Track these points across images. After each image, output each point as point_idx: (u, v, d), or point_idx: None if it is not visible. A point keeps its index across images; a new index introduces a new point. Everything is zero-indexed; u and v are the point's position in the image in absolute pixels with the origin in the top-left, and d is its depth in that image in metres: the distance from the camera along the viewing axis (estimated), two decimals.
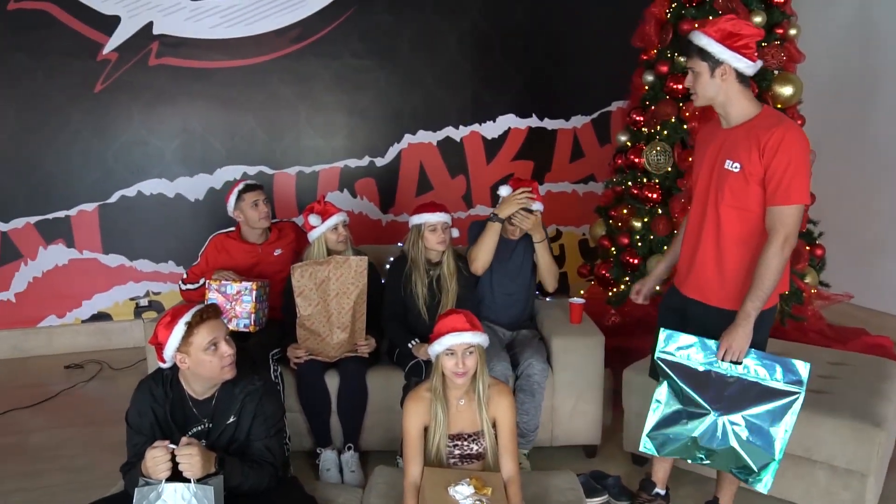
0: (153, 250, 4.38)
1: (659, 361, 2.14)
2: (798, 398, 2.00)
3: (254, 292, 2.80)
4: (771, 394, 2.02)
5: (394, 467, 2.41)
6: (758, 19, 3.39)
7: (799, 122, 3.57)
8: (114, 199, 4.28)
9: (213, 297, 2.80)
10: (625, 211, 3.78)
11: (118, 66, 4.16)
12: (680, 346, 2.11)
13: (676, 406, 2.13)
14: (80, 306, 4.33)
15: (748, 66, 2.04)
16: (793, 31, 3.49)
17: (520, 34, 4.75)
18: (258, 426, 2.01)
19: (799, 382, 2.00)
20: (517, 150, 4.91)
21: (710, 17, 3.39)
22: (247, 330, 2.82)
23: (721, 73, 2.03)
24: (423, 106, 4.68)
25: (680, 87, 3.46)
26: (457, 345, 2.07)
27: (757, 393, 2.03)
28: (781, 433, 2.02)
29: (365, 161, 4.65)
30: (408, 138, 4.71)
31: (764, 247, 2.00)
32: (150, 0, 4.14)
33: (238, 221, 3.13)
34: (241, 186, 3.10)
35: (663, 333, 2.14)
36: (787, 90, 3.40)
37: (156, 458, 1.78)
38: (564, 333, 2.90)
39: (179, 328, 1.89)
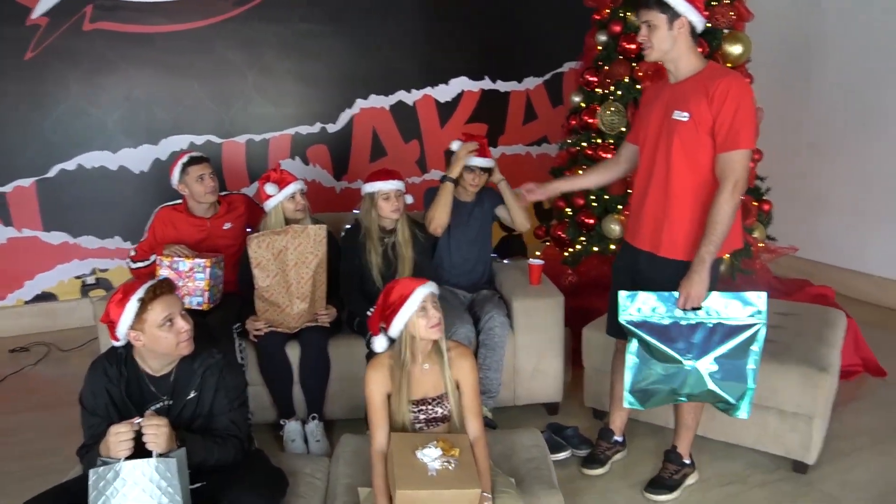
0: (98, 226, 4.22)
1: (625, 323, 2.18)
2: (760, 327, 2.07)
3: (207, 269, 2.72)
4: (735, 330, 2.08)
5: (360, 435, 2.41)
6: None
7: (748, 80, 3.63)
8: (52, 173, 4.09)
9: (164, 273, 2.71)
10: (580, 171, 3.80)
11: (49, 32, 3.94)
12: (641, 305, 2.15)
13: (650, 360, 2.18)
14: (23, 287, 4.17)
15: (700, 21, 2.12)
16: None
17: None
18: (220, 400, 1.98)
19: (758, 313, 2.07)
20: (471, 113, 4.88)
21: None
22: (200, 308, 2.75)
23: (679, 25, 2.09)
24: (374, 70, 4.59)
25: (633, 46, 3.46)
26: (425, 298, 2.06)
27: (722, 333, 2.09)
28: (751, 363, 2.10)
29: (316, 128, 4.56)
30: (360, 103, 4.62)
31: (715, 194, 2.06)
32: None
33: (183, 195, 3.03)
34: (185, 159, 2.97)
35: (623, 296, 2.17)
36: (736, 49, 3.43)
37: (119, 435, 1.73)
38: (524, 295, 2.93)
39: (132, 305, 1.84)
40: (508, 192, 3.01)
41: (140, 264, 2.96)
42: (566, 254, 3.85)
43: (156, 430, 1.74)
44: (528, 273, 3.07)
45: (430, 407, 2.16)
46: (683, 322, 2.12)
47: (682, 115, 2.09)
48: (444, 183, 2.94)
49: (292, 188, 2.86)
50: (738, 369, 2.10)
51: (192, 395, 1.95)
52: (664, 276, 2.19)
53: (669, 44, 2.12)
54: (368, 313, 2.78)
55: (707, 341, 2.10)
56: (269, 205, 2.87)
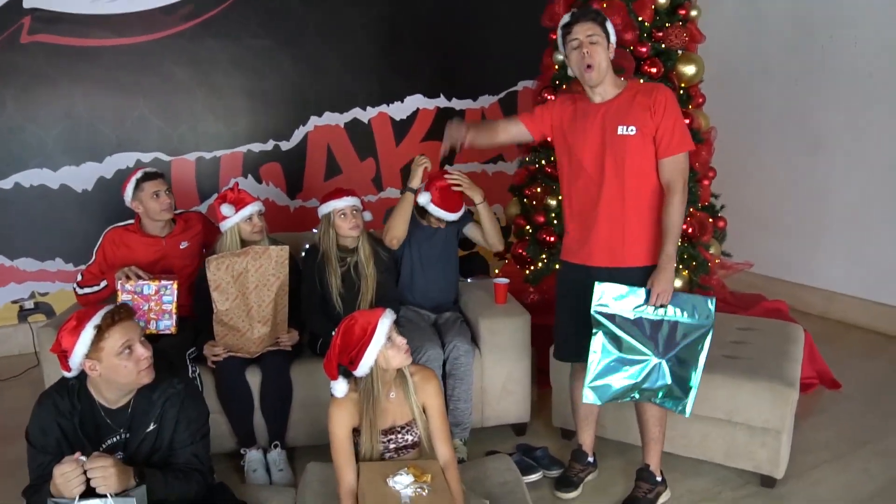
0: (37, 247, 4.00)
1: (595, 315, 2.21)
2: (710, 331, 2.18)
3: (175, 291, 2.60)
4: (689, 329, 2.19)
5: (326, 462, 2.31)
6: (662, 0, 3.48)
7: (700, 100, 3.72)
8: None
9: (126, 298, 2.57)
10: (539, 189, 3.81)
11: None
12: (615, 297, 2.20)
13: (615, 354, 2.22)
14: None
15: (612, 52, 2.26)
16: (694, 13, 3.61)
17: (427, 13, 4.68)
18: (182, 432, 1.86)
19: (708, 318, 2.18)
20: (426, 130, 4.86)
21: None
22: (168, 332, 2.62)
23: (611, 49, 2.22)
24: (329, 88, 4.52)
25: None
26: (390, 327, 1.99)
27: (681, 332, 2.19)
28: (700, 363, 2.18)
29: (269, 145, 4.45)
30: (314, 120, 4.54)
31: (669, 196, 2.17)
32: None
33: (137, 213, 2.88)
34: (139, 175, 2.83)
35: (598, 287, 2.21)
36: (690, 69, 3.52)
37: (66, 475, 1.60)
38: (490, 315, 2.89)
39: (88, 332, 1.71)
40: (487, 213, 2.95)
41: (88, 290, 2.78)
42: (527, 272, 3.84)
43: (102, 473, 1.63)
44: (494, 292, 3.04)
45: (399, 435, 2.10)
46: (648, 318, 2.20)
47: (628, 130, 2.17)
48: (405, 193, 2.88)
49: (249, 210, 2.75)
50: (687, 368, 2.19)
51: (151, 427, 1.83)
52: (630, 284, 2.23)
53: (606, 64, 2.20)
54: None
55: (670, 338, 2.19)
56: (224, 226, 2.76)
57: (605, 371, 2.23)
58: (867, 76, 4.12)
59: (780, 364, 2.57)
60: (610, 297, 2.20)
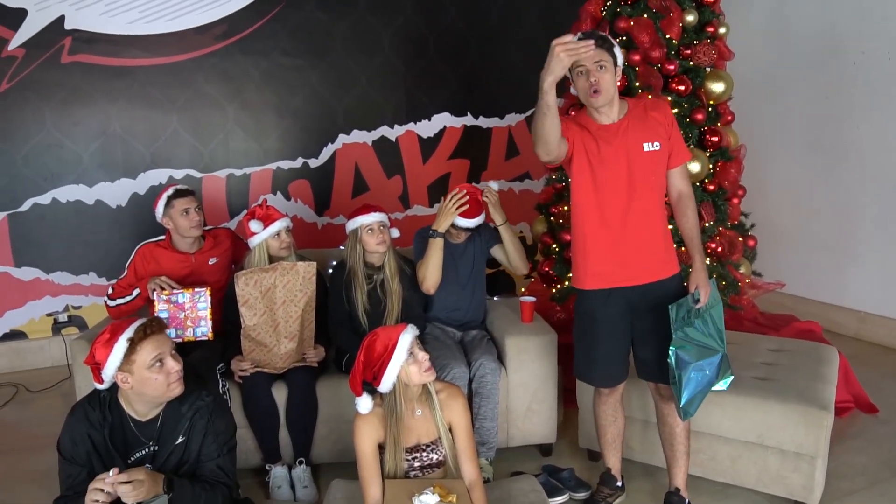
0: (71, 261, 4.09)
1: (677, 334, 2.19)
2: (721, 305, 2.34)
3: (208, 297, 2.65)
4: (715, 315, 2.31)
5: (351, 480, 2.31)
6: (690, 17, 3.47)
7: (729, 118, 3.69)
8: (25, 207, 3.97)
9: (161, 308, 2.62)
10: (566, 207, 3.79)
11: (26, 64, 3.86)
12: (681, 312, 2.23)
13: (692, 364, 2.20)
14: None
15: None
16: (722, 30, 3.60)
17: (454, 33, 4.73)
18: (209, 445, 1.88)
19: (716, 292, 2.33)
20: (453, 148, 4.88)
21: (645, 15, 3.46)
22: (205, 338, 2.67)
23: (618, 73, 2.20)
24: (356, 105, 4.58)
25: (617, 84, 3.50)
26: (411, 342, 2.00)
27: (710, 318, 2.28)
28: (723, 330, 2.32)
29: (298, 162, 4.51)
30: (342, 138, 4.59)
31: (686, 205, 2.29)
32: None
33: (168, 229, 2.94)
34: (170, 192, 2.89)
35: (671, 312, 2.20)
36: (718, 87, 3.49)
37: (92, 493, 1.64)
38: (517, 333, 2.87)
39: (121, 345, 1.74)
40: (509, 236, 2.93)
41: (119, 301, 2.84)
42: (554, 290, 3.82)
43: (135, 488, 1.66)
44: (520, 310, 3.02)
45: (424, 454, 2.09)
46: (697, 320, 2.24)
47: (653, 146, 2.21)
48: (433, 239, 2.84)
49: (277, 226, 2.79)
50: (724, 344, 2.31)
51: (179, 440, 1.86)
52: (673, 291, 2.28)
53: (614, 89, 2.19)
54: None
55: (712, 328, 2.27)
56: (252, 242, 2.80)
57: (691, 385, 2.21)
58: None
59: (813, 386, 2.51)
60: (679, 316, 2.23)
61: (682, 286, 2.32)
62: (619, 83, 2.22)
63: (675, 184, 2.29)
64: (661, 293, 2.26)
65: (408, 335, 2.00)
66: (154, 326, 1.81)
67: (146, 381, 1.77)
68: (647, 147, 2.20)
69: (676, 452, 2.36)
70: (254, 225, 2.76)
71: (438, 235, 2.84)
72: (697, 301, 2.23)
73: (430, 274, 2.85)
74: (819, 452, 2.37)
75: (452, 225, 2.89)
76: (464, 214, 2.85)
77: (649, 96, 3.39)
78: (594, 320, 2.35)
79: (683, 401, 2.20)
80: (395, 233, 2.92)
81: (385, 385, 1.98)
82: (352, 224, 2.85)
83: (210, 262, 2.95)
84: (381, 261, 2.88)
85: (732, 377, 2.35)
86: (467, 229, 2.91)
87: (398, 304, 2.86)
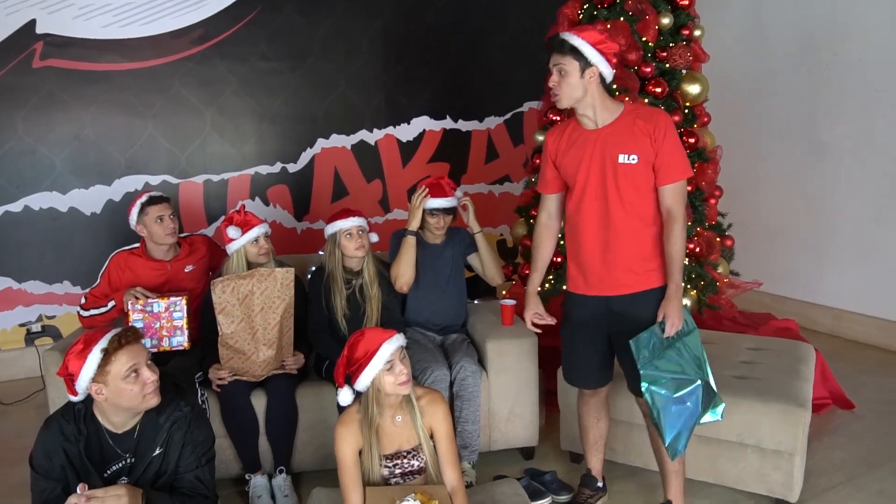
0: (45, 270, 4.01)
1: (645, 371, 2.13)
2: (696, 330, 2.21)
3: (185, 306, 2.61)
4: (689, 340, 2.18)
5: (332, 488, 2.29)
6: (665, 20, 3.51)
7: (705, 119, 3.73)
8: None
9: (136, 318, 2.58)
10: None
11: None
12: (645, 347, 2.15)
13: (671, 398, 2.13)
14: None
15: (610, 73, 2.16)
16: (697, 32, 3.64)
17: (433, 36, 4.72)
18: (187, 456, 1.85)
19: (689, 321, 2.19)
20: (433, 152, 4.87)
21: (621, 18, 3.48)
22: (182, 347, 2.63)
23: (590, 74, 2.12)
24: (335, 109, 4.55)
25: None
26: (393, 353, 1.99)
27: (684, 346, 2.17)
28: (706, 360, 2.19)
29: (277, 167, 4.47)
30: (321, 143, 4.56)
31: (671, 224, 2.14)
32: None
33: (142, 237, 2.89)
34: (143, 199, 2.85)
35: (633, 343, 2.14)
36: (694, 88, 3.53)
37: None
38: (498, 336, 2.87)
39: (94, 356, 1.71)
40: (485, 245, 2.96)
41: (95, 311, 2.79)
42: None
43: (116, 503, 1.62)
44: (501, 314, 3.02)
45: (405, 460, 2.08)
46: (668, 350, 2.15)
47: (630, 158, 2.12)
48: (405, 237, 2.85)
49: (255, 232, 2.75)
50: (706, 372, 2.19)
51: (157, 451, 1.83)
52: (650, 306, 2.18)
53: (580, 92, 2.12)
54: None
55: (687, 356, 2.16)
56: (231, 248, 2.76)
57: (673, 420, 2.14)
58: (872, 90, 4.11)
59: (791, 384, 2.53)
60: (645, 350, 2.15)
61: (651, 304, 2.19)
62: (597, 85, 2.12)
63: (663, 201, 2.16)
64: (639, 307, 2.20)
65: (390, 345, 1.99)
66: (129, 336, 1.78)
67: (121, 392, 1.74)
68: (622, 158, 2.13)
69: (667, 472, 2.33)
70: (231, 231, 2.73)
71: (410, 233, 2.85)
72: (664, 331, 2.13)
73: (403, 271, 2.85)
74: (798, 449, 2.39)
75: (429, 214, 2.87)
76: (434, 195, 2.84)
77: (626, 98, 3.41)
78: (573, 324, 2.36)
79: (668, 439, 2.13)
80: (374, 237, 2.91)
81: (360, 385, 1.99)
82: (330, 228, 2.84)
83: (186, 270, 2.91)
84: (359, 265, 2.87)
85: (724, 404, 2.20)
86: (444, 210, 2.86)
87: (377, 309, 2.85)
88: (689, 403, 2.13)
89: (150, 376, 1.77)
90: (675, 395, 2.12)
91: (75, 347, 1.75)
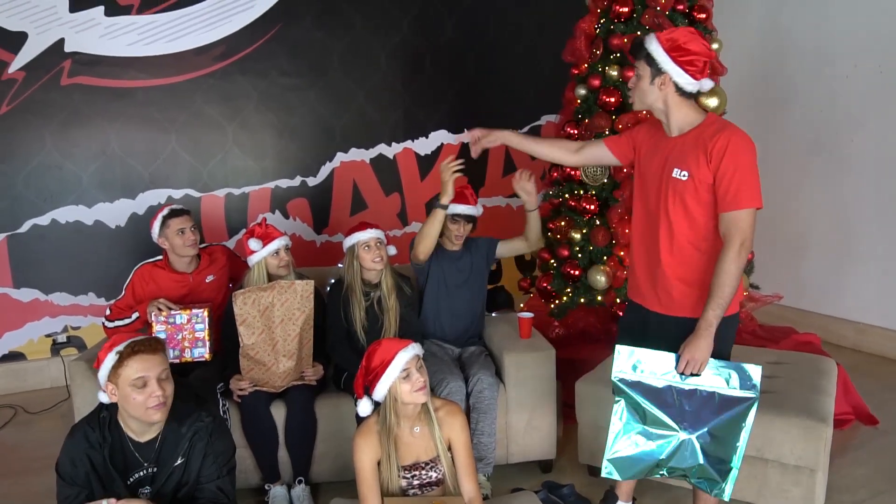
0: (71, 282, 4.09)
1: (617, 382, 2.07)
2: (754, 403, 1.98)
3: (206, 318, 2.66)
4: (730, 402, 1.99)
5: (350, 499, 2.30)
6: None
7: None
8: (24, 228, 3.97)
9: (159, 329, 2.64)
10: (563, 223, 3.81)
11: (26, 86, 3.89)
12: (637, 362, 2.05)
13: (639, 427, 2.06)
14: None
15: (689, 83, 2.02)
16: (715, 46, 3.63)
17: (450, 50, 4.76)
18: (209, 466, 1.88)
19: (753, 387, 1.98)
20: None
21: (639, 33, 3.50)
22: (203, 358, 2.67)
23: (660, 82, 2.04)
24: (354, 124, 4.60)
25: (612, 99, 3.53)
26: (408, 361, 2.02)
27: (716, 404, 2.00)
28: (742, 440, 1.99)
29: (297, 181, 4.53)
30: (340, 157, 4.61)
31: (721, 254, 1.97)
32: (61, 16, 3.90)
33: (164, 249, 2.95)
34: (165, 212, 2.92)
35: (620, 351, 2.08)
36: (712, 102, 3.53)
37: None
38: (515, 349, 2.87)
39: (110, 357, 1.77)
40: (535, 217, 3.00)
41: (118, 322, 2.84)
42: (552, 306, 3.82)
43: None
44: (518, 326, 3.02)
45: (423, 471, 2.09)
46: (677, 386, 2.01)
47: (681, 174, 2.03)
48: (435, 209, 2.83)
49: (276, 244, 2.79)
50: (725, 447, 2.00)
51: (179, 461, 1.85)
52: (674, 334, 2.07)
53: (652, 98, 2.06)
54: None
55: (701, 410, 2.01)
56: (252, 260, 2.81)
57: (627, 444, 2.06)
58: (894, 103, 4.08)
59: (812, 398, 2.51)
60: (632, 362, 2.05)
61: (685, 335, 2.03)
62: (672, 94, 2.03)
63: (721, 227, 2.00)
64: (666, 328, 2.12)
65: (406, 353, 2.01)
66: (146, 346, 1.81)
67: (127, 398, 1.79)
68: (675, 173, 2.04)
69: (699, 496, 2.25)
70: (253, 243, 2.77)
71: (441, 207, 2.81)
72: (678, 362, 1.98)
73: (425, 240, 2.84)
74: (819, 465, 2.37)
75: (451, 220, 2.90)
76: (457, 201, 2.87)
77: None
78: (620, 325, 2.36)
79: (610, 454, 2.06)
80: (392, 250, 2.93)
81: (378, 394, 2.01)
82: (349, 241, 2.87)
83: (207, 280, 2.96)
84: (377, 278, 2.90)
85: (724, 490, 2.02)
86: (466, 217, 2.90)
87: (395, 321, 2.87)
88: (654, 443, 2.03)
89: (156, 391, 1.78)
90: (643, 426, 2.04)
91: (106, 344, 1.82)
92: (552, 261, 3.86)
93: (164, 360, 1.85)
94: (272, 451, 2.65)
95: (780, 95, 4.70)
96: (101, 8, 3.97)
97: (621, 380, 2.08)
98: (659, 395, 2.04)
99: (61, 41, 3.93)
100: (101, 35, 3.99)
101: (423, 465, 2.09)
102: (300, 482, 2.65)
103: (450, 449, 2.13)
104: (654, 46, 2.02)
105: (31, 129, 3.93)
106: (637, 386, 2.06)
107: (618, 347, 2.10)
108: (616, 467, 2.10)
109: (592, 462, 2.84)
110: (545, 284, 3.86)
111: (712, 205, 2.02)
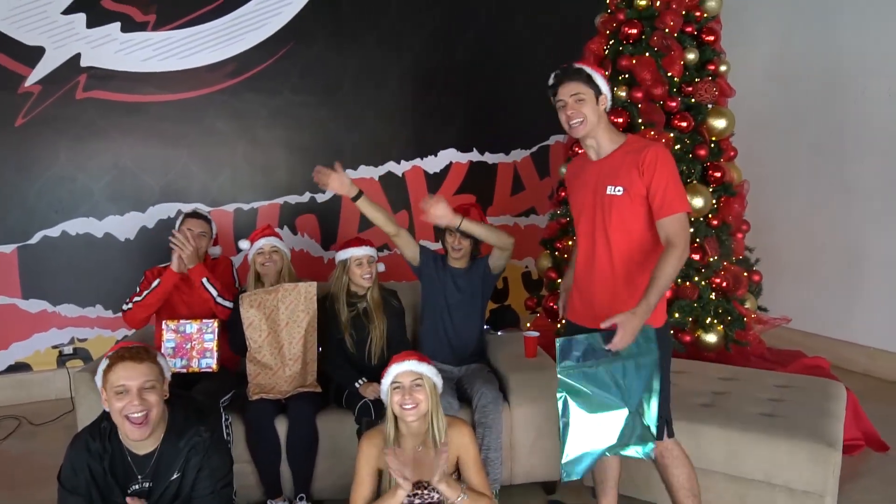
0: (79, 294, 4.12)
1: (564, 377, 2.00)
2: (656, 360, 2.04)
3: (216, 329, 2.70)
4: (643, 366, 2.04)
5: None
6: (691, 56, 3.53)
7: (731, 153, 3.72)
8: (35, 239, 4.02)
9: (169, 338, 2.68)
10: (570, 242, 3.81)
11: (42, 100, 3.95)
12: (576, 351, 2.02)
13: (585, 418, 2.01)
14: None
15: (609, 101, 2.21)
16: (723, 68, 3.65)
17: (460, 70, 4.81)
18: (203, 480, 1.86)
19: (650, 342, 2.03)
20: (459, 184, 4.92)
21: (646, 54, 3.52)
22: (210, 369, 2.71)
23: (602, 101, 2.16)
24: (364, 141, 4.64)
25: (620, 120, 3.55)
26: (402, 373, 2.06)
27: (635, 368, 2.03)
28: (654, 393, 2.05)
29: (305, 197, 4.55)
30: (349, 173, 4.56)
31: (666, 252, 2.04)
32: (78, 31, 3.97)
33: None
34: (188, 210, 3.05)
35: (559, 344, 2.03)
36: (720, 123, 3.53)
37: None
38: (521, 368, 2.86)
39: (103, 362, 1.80)
40: (473, 226, 2.82)
41: (146, 293, 2.84)
42: (559, 325, 3.80)
43: None
44: (524, 346, 3.01)
45: (425, 491, 2.08)
46: (605, 366, 2.01)
47: (615, 190, 2.12)
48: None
49: (261, 242, 2.90)
50: (648, 405, 2.06)
51: (174, 476, 1.84)
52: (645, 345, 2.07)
53: (596, 117, 2.15)
54: (357, 384, 2.72)
55: (632, 381, 2.03)
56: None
57: (578, 440, 2.02)
58: None
59: (820, 423, 2.47)
60: (574, 353, 2.02)
61: (659, 340, 2.08)
62: (605, 114, 2.17)
63: (661, 233, 2.09)
64: (633, 344, 2.08)
65: (399, 367, 2.08)
66: (133, 354, 1.80)
67: (110, 404, 1.80)
68: (609, 190, 2.13)
69: (678, 488, 2.27)
70: (241, 243, 2.96)
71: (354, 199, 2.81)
72: (605, 341, 1.97)
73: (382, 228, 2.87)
74: (828, 491, 2.33)
75: (448, 232, 2.93)
76: (461, 215, 2.83)
77: (652, 133, 3.42)
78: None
79: (565, 458, 2.01)
80: (381, 267, 3.02)
81: (382, 392, 2.14)
82: (342, 255, 2.94)
83: (203, 281, 2.93)
84: (363, 292, 2.95)
85: (653, 445, 2.05)
86: (462, 231, 2.83)
87: (381, 335, 2.91)
88: (604, 428, 2.00)
89: (132, 402, 1.75)
90: (592, 415, 2.00)
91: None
92: (559, 280, 3.85)
93: (149, 370, 1.81)
94: (275, 465, 2.64)
95: (790, 117, 4.70)
96: (118, 24, 4.04)
97: (565, 374, 2.01)
98: (599, 379, 2.02)
99: (77, 56, 3.99)
100: (116, 50, 4.06)
101: (425, 484, 2.08)
102: (301, 498, 2.64)
103: (458, 470, 2.13)
104: (589, 70, 2.16)
105: (45, 142, 3.98)
106: (581, 377, 2.02)
107: (558, 340, 2.05)
108: (574, 468, 2.04)
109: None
110: (552, 304, 3.84)
111: (647, 216, 2.12)
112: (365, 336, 2.88)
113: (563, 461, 2.03)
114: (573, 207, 2.32)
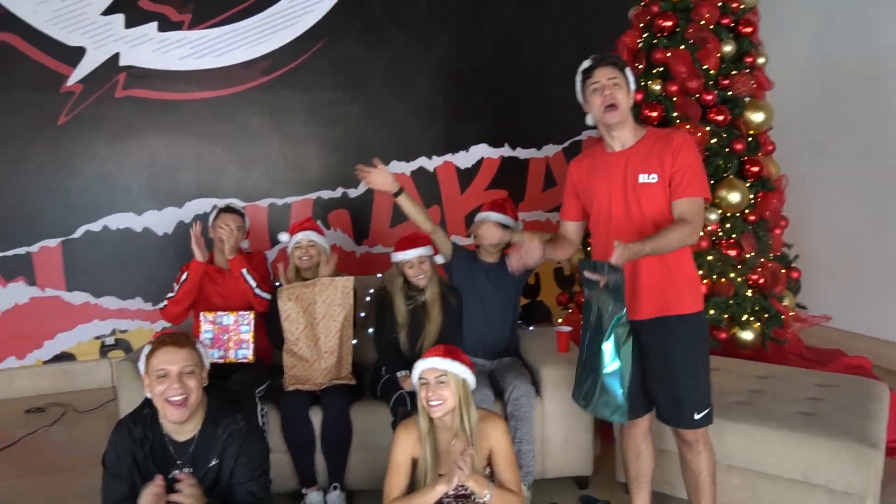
0: (120, 287, 4.22)
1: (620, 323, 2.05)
2: (622, 332, 2.06)
3: (252, 321, 2.76)
4: (608, 322, 2.07)
5: None
6: (727, 48, 3.47)
7: (770, 147, 3.65)
8: (78, 234, 4.13)
9: (207, 329, 2.74)
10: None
11: (83, 99, 4.05)
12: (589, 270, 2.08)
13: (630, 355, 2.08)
14: (42, 347, 4.14)
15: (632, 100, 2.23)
16: (761, 60, 3.58)
17: (490, 65, 4.80)
18: (241, 469, 1.90)
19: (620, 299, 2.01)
20: (490, 179, 4.91)
21: (682, 47, 3.46)
22: (246, 360, 2.76)
23: (631, 96, 2.19)
24: (396, 137, 4.66)
25: (655, 114, 3.50)
26: (426, 370, 2.08)
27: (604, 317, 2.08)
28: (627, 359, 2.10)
29: (338, 192, 4.60)
30: None
31: (677, 224, 2.06)
32: (117, 31, 4.06)
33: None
34: (222, 205, 3.07)
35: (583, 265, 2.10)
36: (758, 116, 3.47)
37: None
38: (553, 363, 2.85)
39: (146, 348, 1.85)
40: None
41: (174, 292, 2.91)
42: None
43: (191, 492, 1.74)
44: (556, 340, 3.00)
45: (458, 486, 2.09)
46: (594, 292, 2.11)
47: (650, 178, 2.12)
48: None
49: (299, 236, 2.93)
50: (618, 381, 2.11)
51: (213, 462, 1.89)
52: (679, 333, 2.14)
53: (627, 107, 2.16)
54: (400, 374, 2.74)
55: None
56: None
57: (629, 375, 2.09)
58: None
59: (861, 423, 2.41)
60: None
61: (699, 326, 2.18)
62: (631, 104, 2.19)
63: (675, 212, 2.11)
64: (671, 332, 2.15)
65: (424, 364, 2.10)
66: (174, 339, 1.85)
67: (151, 388, 1.84)
68: (642, 178, 2.13)
69: (701, 500, 2.26)
70: (282, 236, 2.99)
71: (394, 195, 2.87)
72: (599, 270, 1.99)
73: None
74: (869, 492, 2.28)
75: (488, 246, 2.94)
76: (490, 208, 2.96)
77: (687, 126, 3.37)
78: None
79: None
80: (440, 259, 2.97)
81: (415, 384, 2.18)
82: (394, 257, 2.93)
83: (243, 272, 2.96)
84: (424, 284, 2.93)
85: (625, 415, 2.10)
86: (503, 226, 2.86)
87: (436, 331, 2.89)
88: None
89: (172, 385, 1.80)
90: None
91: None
92: None
93: (189, 356, 1.86)
94: (309, 455, 2.68)
95: (830, 112, 4.59)
96: (155, 24, 4.12)
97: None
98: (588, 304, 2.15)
99: (116, 55, 4.09)
100: (154, 49, 4.14)
101: None
102: (335, 488, 2.67)
103: (489, 465, 2.14)
104: (623, 62, 2.22)
105: (86, 140, 4.09)
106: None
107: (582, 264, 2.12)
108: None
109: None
110: (583, 299, 3.81)
111: None
112: (419, 330, 2.89)
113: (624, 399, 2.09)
114: (596, 200, 2.25)
